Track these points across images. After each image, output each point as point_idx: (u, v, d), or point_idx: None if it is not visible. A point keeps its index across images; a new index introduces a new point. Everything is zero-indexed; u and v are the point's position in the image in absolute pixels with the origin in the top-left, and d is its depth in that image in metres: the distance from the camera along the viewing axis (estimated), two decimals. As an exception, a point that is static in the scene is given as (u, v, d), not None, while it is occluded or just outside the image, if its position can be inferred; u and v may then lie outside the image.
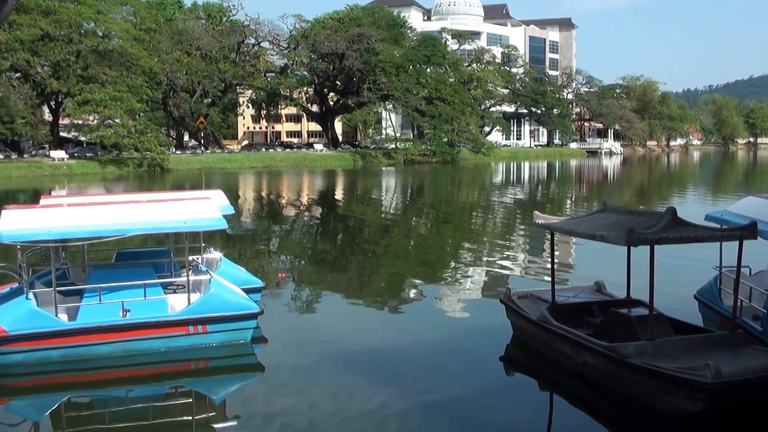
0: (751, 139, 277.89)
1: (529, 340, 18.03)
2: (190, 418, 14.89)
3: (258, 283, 21.65)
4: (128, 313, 17.56)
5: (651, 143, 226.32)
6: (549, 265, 19.10)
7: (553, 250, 19.27)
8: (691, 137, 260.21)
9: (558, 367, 16.48)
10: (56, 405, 15.49)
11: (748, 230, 15.01)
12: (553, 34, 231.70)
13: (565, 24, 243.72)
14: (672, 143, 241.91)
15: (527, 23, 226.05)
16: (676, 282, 22.59)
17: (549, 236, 19.41)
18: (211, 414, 15.14)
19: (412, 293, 26.51)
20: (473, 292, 26.37)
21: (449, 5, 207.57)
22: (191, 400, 15.95)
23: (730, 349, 14.58)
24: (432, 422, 14.05)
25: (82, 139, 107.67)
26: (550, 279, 18.80)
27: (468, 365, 17.42)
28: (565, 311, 17.75)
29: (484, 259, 33.00)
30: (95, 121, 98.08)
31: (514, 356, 18.20)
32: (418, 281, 28.61)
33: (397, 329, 21.13)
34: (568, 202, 65.36)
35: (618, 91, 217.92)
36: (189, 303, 18.08)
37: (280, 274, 28.54)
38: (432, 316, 22.64)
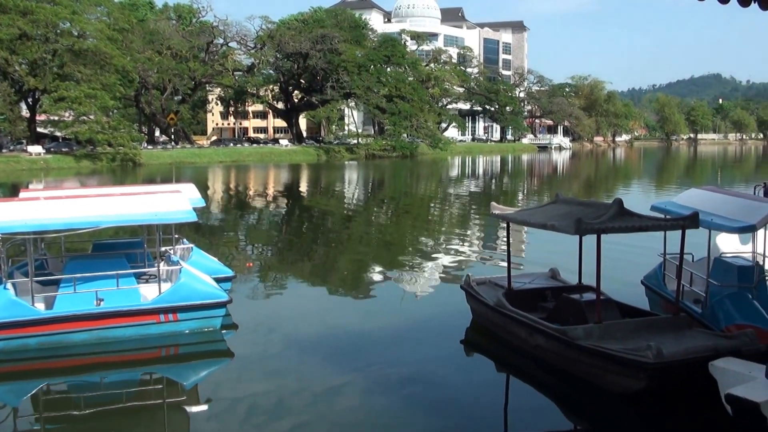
0: (692, 135, 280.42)
1: (487, 324, 18.07)
2: (162, 401, 14.73)
3: (228, 272, 21.49)
4: (102, 302, 17.36)
5: (598, 139, 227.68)
6: (507, 254, 19.18)
7: (509, 239, 19.34)
8: (635, 133, 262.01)
9: (514, 349, 16.52)
10: (34, 391, 15.24)
11: (690, 220, 15.19)
12: (506, 36, 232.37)
13: (518, 27, 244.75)
14: (618, 139, 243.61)
15: (482, 26, 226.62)
16: (626, 268, 22.75)
17: (505, 226, 19.48)
18: (182, 398, 15.01)
19: (375, 280, 26.46)
20: (434, 278, 26.35)
21: (408, 8, 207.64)
22: (163, 385, 15.80)
23: (673, 332, 14.72)
24: (394, 401, 14.02)
25: (58, 134, 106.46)
26: (508, 267, 18.89)
27: (429, 348, 17.43)
28: (521, 296, 17.83)
29: (444, 247, 33.03)
30: (71, 118, 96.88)
31: (473, 339, 18.20)
32: (380, 269, 28.58)
33: (360, 314, 21.12)
34: (521, 194, 65.68)
35: (567, 90, 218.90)
36: (160, 292, 17.90)
37: (248, 264, 28.40)
38: (394, 302, 22.59)
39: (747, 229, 16.01)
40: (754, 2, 12.06)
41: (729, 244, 19.31)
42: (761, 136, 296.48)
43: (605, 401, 13.79)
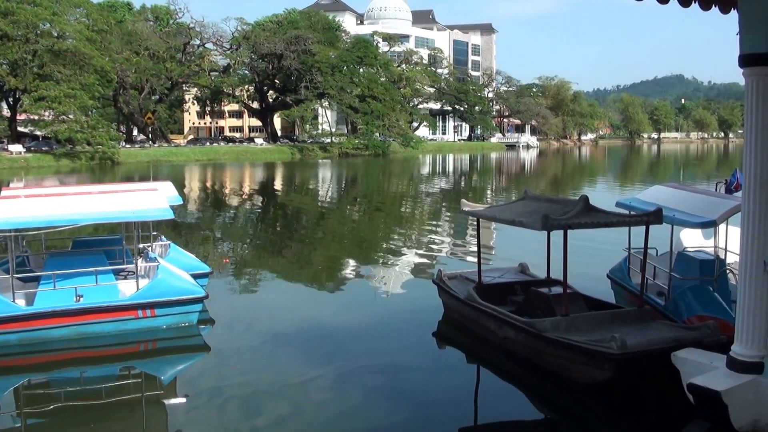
0: (655, 135, 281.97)
1: (458, 317, 18.14)
2: (140, 395, 14.65)
3: (206, 268, 21.40)
4: (81, 299, 17.24)
5: (564, 138, 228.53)
6: (482, 249, 19.28)
7: (479, 235, 19.40)
8: (600, 132, 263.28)
9: (484, 341, 16.58)
10: (15, 386, 15.09)
11: (654, 216, 15.32)
12: (475, 38, 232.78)
13: (486, 29, 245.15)
14: (583, 138, 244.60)
15: (452, 28, 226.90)
16: (593, 263, 22.86)
17: (475, 222, 19.55)
18: (160, 392, 14.91)
19: (349, 275, 26.48)
20: (406, 273, 26.35)
21: (380, 10, 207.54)
22: (141, 379, 15.70)
23: (637, 324, 14.83)
24: (368, 392, 14.05)
25: (38, 133, 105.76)
26: (478, 262, 18.96)
27: (402, 340, 17.48)
28: (491, 290, 17.90)
29: (416, 243, 33.08)
30: (50, 117, 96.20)
31: (445, 332, 18.23)
32: (353, 264, 28.58)
33: (335, 309, 21.08)
34: (490, 192, 65.83)
35: (534, 90, 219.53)
36: (138, 288, 17.80)
37: (225, 260, 28.29)
38: (368, 296, 22.61)
39: (708, 224, 16.19)
40: (695, 2, 12.21)
41: (692, 239, 19.49)
42: (722, 135, 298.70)
43: (572, 391, 13.87)
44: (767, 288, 11.36)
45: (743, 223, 11.58)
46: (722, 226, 17.16)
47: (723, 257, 17.10)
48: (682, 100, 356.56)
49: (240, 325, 19.09)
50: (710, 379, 11.42)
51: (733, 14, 12.03)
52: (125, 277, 19.18)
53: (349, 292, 23.66)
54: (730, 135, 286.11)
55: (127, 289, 18.08)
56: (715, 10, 12.70)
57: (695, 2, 12.21)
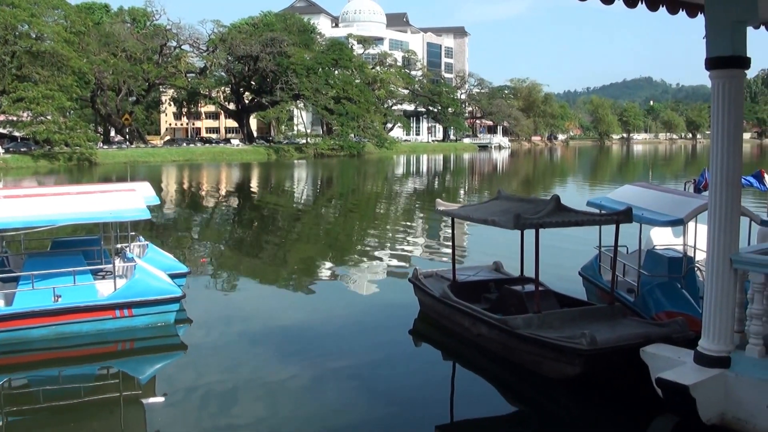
0: (624, 135, 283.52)
1: (433, 314, 18.19)
2: (119, 395, 14.53)
3: (183, 268, 21.28)
4: (60, 299, 17.13)
5: (535, 138, 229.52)
6: (458, 248, 19.35)
7: (453, 234, 19.51)
8: (571, 133, 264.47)
9: (459, 338, 16.64)
10: (-7, 386, 15.09)
11: (624, 215, 15.48)
12: (448, 41, 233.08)
13: (459, 32, 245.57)
14: (554, 138, 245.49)
15: (425, 30, 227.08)
16: (566, 261, 23.00)
17: (450, 222, 19.64)
18: (138, 391, 14.81)
19: (325, 274, 26.44)
20: (382, 272, 26.37)
21: (355, 13, 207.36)
22: (119, 379, 15.58)
23: (608, 320, 14.95)
24: (345, 389, 14.04)
25: (17, 134, 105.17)
26: (458, 261, 19.05)
27: (379, 338, 17.52)
28: (465, 288, 17.99)
29: (391, 242, 33.10)
30: (28, 118, 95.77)
31: (421, 330, 18.27)
32: (330, 263, 28.55)
33: (311, 307, 21.05)
34: (463, 192, 65.96)
35: (506, 92, 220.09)
36: (115, 288, 17.71)
37: (201, 260, 28.18)
38: (344, 295, 22.65)
39: (675, 223, 16.36)
40: (663, 6, 12.34)
41: (663, 237, 19.70)
42: (690, 136, 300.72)
43: (544, 386, 13.95)
44: (733, 284, 11.51)
45: (710, 221, 11.72)
46: (691, 225, 17.34)
47: (692, 255, 17.27)
48: (651, 102, 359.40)
49: (217, 325, 19.00)
50: (678, 373, 11.53)
51: (700, 18, 12.17)
52: (103, 277, 19.05)
53: (326, 291, 23.61)
54: (698, 136, 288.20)
55: (105, 289, 17.96)
56: (682, 14, 12.84)
57: (663, 6, 12.33)
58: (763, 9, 11.15)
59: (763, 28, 13.69)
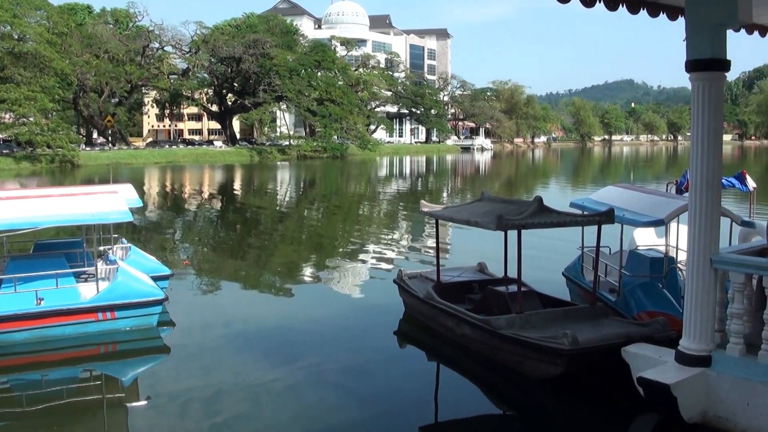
0: (606, 137, 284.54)
1: (418, 315, 18.24)
2: (101, 398, 14.49)
3: (166, 270, 21.17)
4: (42, 302, 17.04)
5: (518, 140, 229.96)
6: (443, 249, 19.40)
7: (437, 236, 19.55)
8: (553, 135, 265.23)
9: (443, 339, 16.68)
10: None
11: (606, 216, 15.58)
12: (431, 43, 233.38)
13: (442, 34, 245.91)
14: (536, 140, 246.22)
15: (408, 32, 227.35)
16: (552, 261, 23.05)
17: (434, 223, 19.71)
18: (121, 394, 14.78)
19: (309, 276, 26.40)
20: (368, 274, 26.40)
21: (338, 15, 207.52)
22: (102, 382, 15.53)
23: (590, 320, 15.03)
24: (330, 391, 14.05)
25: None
26: (443, 262, 19.11)
27: (364, 339, 17.56)
28: (449, 289, 18.05)
29: (375, 244, 33.09)
30: (10, 119, 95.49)
31: (406, 330, 18.30)
32: (314, 265, 28.55)
33: (295, 309, 21.01)
34: (445, 193, 66.09)
35: (488, 93, 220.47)
36: (98, 291, 17.63)
37: (184, 262, 28.07)
38: (329, 297, 22.63)
39: (655, 224, 16.49)
40: (644, 9, 12.46)
41: (645, 238, 19.84)
42: (671, 137, 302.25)
43: (527, 386, 14.02)
44: (713, 284, 11.62)
45: (690, 222, 11.83)
46: (674, 225, 17.48)
47: (674, 255, 17.41)
48: (632, 104, 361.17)
49: (200, 327, 18.91)
50: (659, 372, 11.63)
51: (681, 21, 12.27)
52: (86, 280, 18.98)
53: (310, 292, 23.61)
54: (679, 137, 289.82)
55: (87, 292, 17.88)
56: (663, 17, 12.95)
57: (644, 9, 12.44)
58: (742, 12, 11.24)
59: (743, 31, 13.81)
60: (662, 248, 18.24)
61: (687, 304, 11.86)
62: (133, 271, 18.66)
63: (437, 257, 19.20)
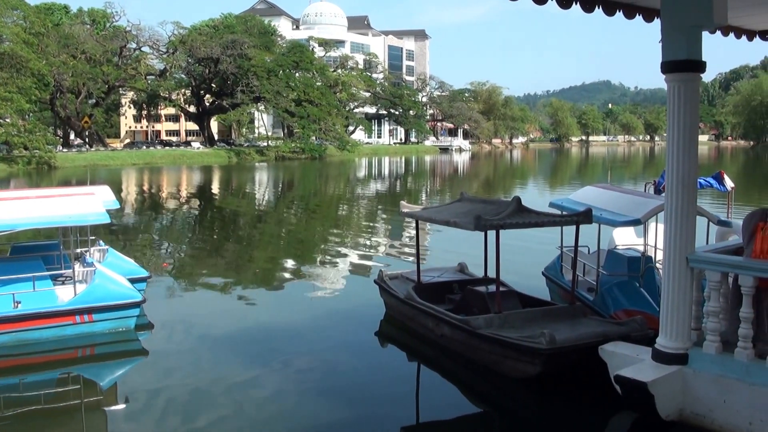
0: (584, 138, 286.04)
1: (398, 316, 18.29)
2: (80, 401, 14.34)
3: (144, 273, 21.01)
4: (19, 305, 16.90)
5: (496, 141, 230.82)
6: (424, 250, 19.45)
7: (418, 236, 19.59)
8: (531, 136, 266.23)
9: (423, 339, 16.73)
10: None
11: (584, 216, 15.70)
12: (409, 44, 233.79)
13: (420, 35, 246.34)
14: (514, 141, 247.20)
15: (386, 33, 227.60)
16: (533, 261, 23.12)
17: (414, 223, 19.78)
18: (99, 398, 14.63)
19: (289, 278, 26.37)
20: (349, 274, 26.42)
21: (316, 16, 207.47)
22: (80, 385, 15.38)
23: (568, 319, 15.13)
24: (310, 392, 13.99)
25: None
26: (424, 262, 19.16)
27: (345, 340, 17.53)
28: (430, 289, 18.13)
29: (356, 244, 33.14)
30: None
31: (387, 331, 18.31)
32: (293, 266, 28.53)
33: (276, 310, 20.99)
34: (424, 194, 66.19)
35: (467, 95, 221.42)
36: (75, 294, 17.50)
37: (163, 264, 27.94)
38: (309, 298, 22.57)
39: (632, 223, 16.60)
40: (620, 11, 12.59)
41: (625, 237, 20.01)
42: (648, 138, 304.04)
43: (505, 386, 14.09)
44: (690, 283, 11.75)
45: (666, 221, 11.95)
46: (652, 225, 17.64)
47: (653, 254, 17.57)
48: (610, 105, 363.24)
49: (178, 329, 18.83)
50: (636, 370, 11.73)
51: (657, 23, 12.39)
52: (63, 283, 18.88)
53: (290, 294, 23.58)
54: (656, 138, 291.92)
55: (64, 295, 17.77)
56: (639, 18, 13.08)
57: (620, 11, 12.57)
58: (718, 14, 11.37)
59: (719, 32, 13.96)
60: (641, 247, 18.40)
61: (664, 303, 11.97)
62: (111, 274, 18.49)
63: (417, 258, 19.27)
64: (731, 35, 14.83)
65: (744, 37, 15.54)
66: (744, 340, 11.17)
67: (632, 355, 12.44)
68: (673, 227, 11.77)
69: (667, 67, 11.77)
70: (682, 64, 11.63)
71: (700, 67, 11.74)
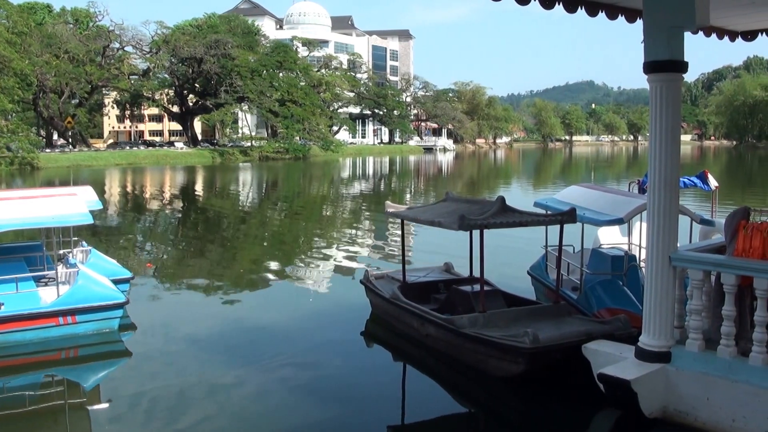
0: (567, 137, 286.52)
1: (384, 315, 18.33)
2: (63, 403, 14.28)
3: (127, 273, 20.90)
4: (2, 307, 16.80)
5: (480, 141, 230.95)
6: (410, 249, 19.48)
7: (403, 236, 19.64)
8: (515, 135, 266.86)
9: (409, 338, 16.78)
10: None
11: (568, 215, 15.80)
12: (393, 44, 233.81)
13: (404, 35, 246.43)
14: (498, 141, 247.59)
15: (370, 33, 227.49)
16: (520, 260, 23.20)
17: (400, 223, 19.83)
18: (83, 399, 14.58)
19: (274, 278, 26.33)
20: (335, 274, 26.44)
21: (300, 16, 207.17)
22: (64, 387, 15.33)
23: (553, 318, 15.20)
24: (295, 392, 14.00)
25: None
26: (409, 262, 19.21)
27: (331, 340, 17.54)
28: (415, 289, 18.19)
29: (342, 244, 33.16)
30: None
31: (373, 331, 18.37)
32: (279, 267, 28.48)
33: (260, 311, 20.96)
34: (408, 194, 66.21)
35: (450, 95, 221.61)
36: (59, 295, 17.45)
37: (147, 264, 27.73)
38: (295, 298, 22.62)
39: (614, 222, 16.73)
40: (602, 12, 12.68)
41: (610, 236, 20.17)
42: (631, 138, 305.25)
43: (490, 385, 14.15)
44: (672, 281, 11.84)
45: (649, 220, 12.05)
46: (637, 224, 17.76)
47: (637, 253, 17.70)
48: (593, 105, 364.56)
49: (162, 330, 18.76)
50: (620, 368, 11.82)
51: (639, 23, 12.48)
52: (46, 284, 18.79)
53: (275, 294, 23.57)
54: (639, 138, 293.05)
55: (47, 296, 17.70)
56: (621, 19, 13.17)
57: (602, 12, 12.65)
58: (700, 15, 11.45)
59: (701, 33, 14.07)
60: (625, 246, 18.52)
61: (646, 301, 12.07)
62: (94, 275, 18.42)
63: (403, 258, 19.32)
64: (713, 36, 14.95)
65: (726, 38, 15.67)
66: (726, 337, 11.27)
67: (615, 353, 12.53)
68: (655, 226, 11.86)
69: (650, 67, 11.86)
70: (664, 64, 11.72)
71: (682, 67, 11.84)
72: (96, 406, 14.03)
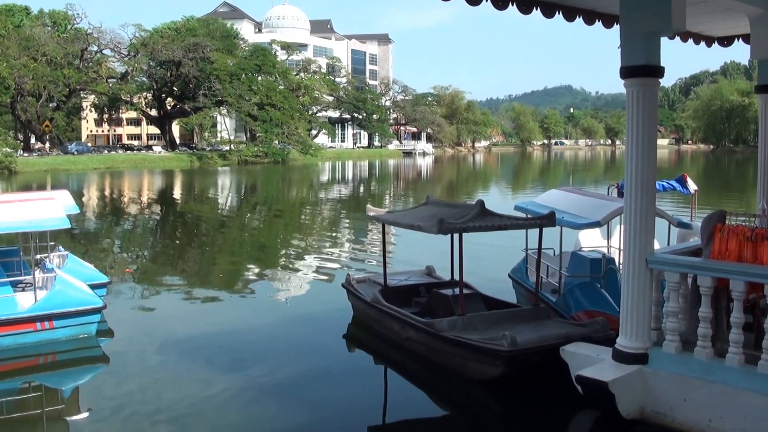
0: (546, 142, 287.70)
1: (365, 319, 18.38)
2: (41, 410, 14.16)
3: (104, 278, 20.78)
4: None
5: (459, 147, 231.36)
6: (391, 253, 19.53)
7: (384, 240, 19.68)
8: (493, 140, 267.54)
9: (390, 342, 16.84)
10: None
11: (547, 219, 15.93)
12: (372, 48, 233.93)
13: (383, 39, 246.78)
14: (477, 145, 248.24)
15: (349, 37, 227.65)
16: (502, 263, 23.25)
17: (380, 227, 19.88)
18: (61, 406, 14.52)
19: (254, 282, 26.26)
20: (316, 278, 26.41)
21: (278, 19, 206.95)
22: (42, 393, 15.17)
23: (532, 321, 15.30)
24: (276, 396, 14.03)
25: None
26: (390, 266, 19.26)
27: (313, 344, 17.55)
28: (396, 293, 18.26)
29: (321, 249, 33.10)
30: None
31: (355, 334, 18.39)
32: (258, 271, 28.43)
33: (241, 315, 20.91)
34: (388, 198, 66.23)
35: (430, 99, 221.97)
36: (36, 300, 17.28)
37: (126, 269, 27.55)
38: (276, 302, 22.63)
39: (592, 225, 16.90)
40: (579, 17, 12.82)
41: (590, 239, 20.32)
42: (609, 142, 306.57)
43: (469, 388, 14.21)
44: (649, 284, 11.97)
45: (626, 223, 12.17)
46: (617, 227, 17.91)
47: (616, 256, 17.84)
48: (571, 109, 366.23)
49: (140, 335, 18.66)
50: (597, 370, 11.92)
51: (616, 29, 12.61)
52: (23, 289, 18.64)
53: (256, 298, 23.48)
54: (617, 142, 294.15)
55: (25, 301, 17.52)
56: (598, 24, 13.31)
57: (580, 17, 12.78)
58: (676, 20, 11.58)
59: (678, 38, 14.22)
60: (605, 249, 18.66)
61: (624, 303, 12.18)
62: (71, 280, 18.31)
63: (384, 261, 19.38)
64: (690, 41, 15.12)
65: (703, 43, 15.86)
66: (703, 339, 11.40)
67: (593, 355, 12.64)
68: (632, 229, 11.98)
69: (626, 72, 11.98)
70: (640, 69, 11.84)
71: (659, 72, 11.97)
72: (74, 413, 13.96)
